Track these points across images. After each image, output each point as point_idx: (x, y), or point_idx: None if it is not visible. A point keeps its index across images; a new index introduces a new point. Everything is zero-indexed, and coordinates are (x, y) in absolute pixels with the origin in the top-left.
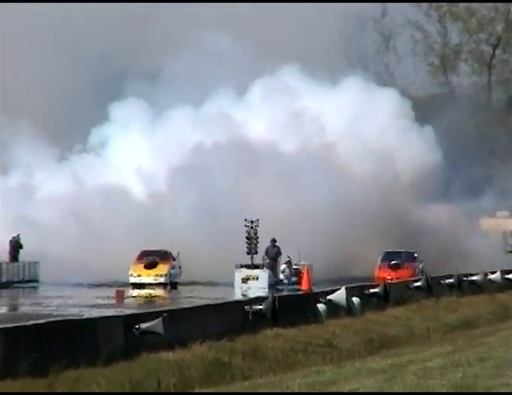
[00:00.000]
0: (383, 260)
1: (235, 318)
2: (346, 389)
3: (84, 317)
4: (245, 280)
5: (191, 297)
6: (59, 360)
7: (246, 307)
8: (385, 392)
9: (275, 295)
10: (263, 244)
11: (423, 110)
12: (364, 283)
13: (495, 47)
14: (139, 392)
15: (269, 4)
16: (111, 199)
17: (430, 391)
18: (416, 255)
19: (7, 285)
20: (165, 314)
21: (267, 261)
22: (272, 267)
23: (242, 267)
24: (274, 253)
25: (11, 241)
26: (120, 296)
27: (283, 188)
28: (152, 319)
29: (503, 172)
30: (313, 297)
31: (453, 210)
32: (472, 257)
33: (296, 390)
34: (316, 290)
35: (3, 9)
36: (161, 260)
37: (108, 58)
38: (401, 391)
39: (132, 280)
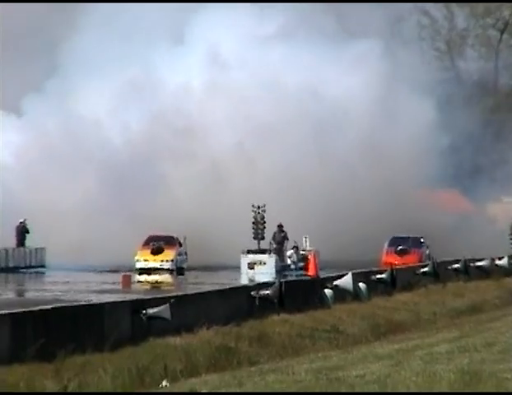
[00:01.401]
0: (389, 245)
1: (241, 303)
2: (353, 374)
3: (91, 302)
4: (252, 265)
5: (197, 283)
6: (66, 345)
7: (253, 292)
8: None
9: (282, 280)
10: (270, 230)
11: (430, 95)
12: (370, 268)
13: (502, 32)
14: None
15: None
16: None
17: (437, 377)
18: (422, 240)
19: (14, 270)
20: (172, 300)
21: (274, 246)
22: (279, 252)
23: (249, 252)
24: (281, 238)
25: (17, 227)
26: (127, 281)
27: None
28: (159, 305)
29: (509, 157)
30: (319, 282)
31: (459, 195)
32: (479, 242)
33: (303, 375)
34: (323, 275)
35: None
36: (168, 245)
37: None
38: (407, 376)
39: (139, 265)
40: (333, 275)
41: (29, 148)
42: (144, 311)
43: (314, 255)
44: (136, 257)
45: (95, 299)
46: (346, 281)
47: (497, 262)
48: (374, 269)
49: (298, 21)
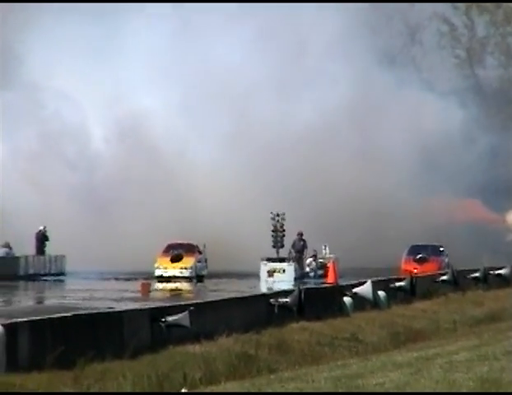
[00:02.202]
0: (409, 253)
1: (260, 311)
2: (372, 383)
3: (110, 310)
4: (271, 273)
5: (217, 290)
6: (85, 352)
7: (272, 300)
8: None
9: (301, 288)
10: (289, 238)
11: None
12: (390, 277)
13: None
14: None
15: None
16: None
17: (457, 385)
18: (442, 249)
19: (34, 277)
20: (191, 307)
21: (294, 254)
22: (299, 260)
23: (268, 260)
24: (300, 246)
25: (37, 234)
26: (146, 289)
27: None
28: (178, 312)
29: None
30: (339, 290)
31: (479, 204)
32: (499, 250)
33: (322, 383)
34: (342, 283)
35: None
36: (187, 253)
37: None
38: (427, 384)
39: (158, 272)
40: (353, 283)
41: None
42: (163, 319)
43: (334, 263)
44: (155, 265)
45: (115, 306)
46: (365, 289)
47: None
48: (394, 277)
49: None
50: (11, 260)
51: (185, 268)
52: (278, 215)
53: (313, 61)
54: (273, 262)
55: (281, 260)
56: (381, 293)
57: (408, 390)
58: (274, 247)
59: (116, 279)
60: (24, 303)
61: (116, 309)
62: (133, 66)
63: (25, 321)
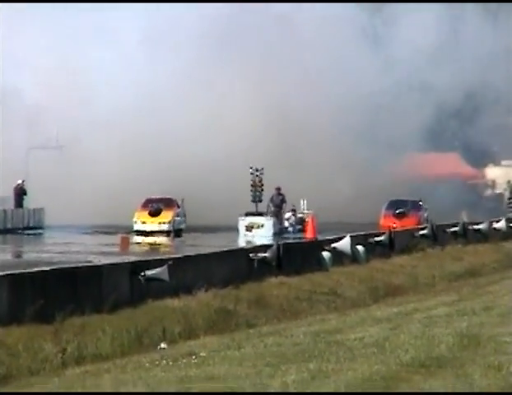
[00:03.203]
0: (387, 208)
1: (239, 265)
2: (352, 337)
3: (89, 263)
4: (250, 227)
5: (195, 245)
6: (65, 306)
7: (251, 255)
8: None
9: (280, 242)
10: (268, 193)
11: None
12: (368, 231)
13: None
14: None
15: None
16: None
17: (436, 340)
18: (421, 203)
19: (13, 231)
20: (170, 262)
21: (272, 209)
22: (277, 214)
23: (247, 214)
24: (279, 201)
25: (15, 188)
26: (125, 243)
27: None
28: (158, 266)
29: (509, 120)
30: (317, 245)
31: (458, 158)
32: (478, 205)
33: (301, 338)
34: (321, 238)
35: None
36: (165, 207)
37: None
38: (406, 339)
39: (137, 227)
40: (331, 237)
41: None
42: (142, 273)
43: (312, 218)
44: (134, 219)
45: (94, 260)
46: (344, 244)
47: (495, 225)
48: (373, 232)
49: None
50: None
51: (164, 222)
52: (257, 170)
53: None
54: (252, 216)
55: (260, 215)
56: (360, 248)
57: (388, 345)
58: (253, 201)
59: (95, 232)
60: (2, 257)
61: (95, 263)
62: None
63: (4, 275)
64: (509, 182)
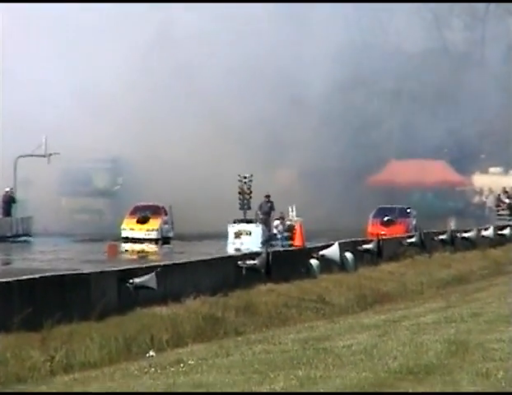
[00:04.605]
0: (375, 216)
1: (228, 273)
2: (340, 345)
3: (78, 271)
4: (238, 235)
5: (183, 252)
6: (53, 314)
7: (239, 262)
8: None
9: (268, 250)
10: (256, 200)
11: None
12: (357, 239)
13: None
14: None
15: None
16: None
17: (424, 347)
18: (409, 211)
19: (1, 239)
20: (158, 269)
21: (261, 216)
22: (266, 222)
23: (235, 222)
24: (268, 209)
25: (3, 196)
26: (113, 251)
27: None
28: (146, 274)
29: (496, 128)
30: (306, 252)
31: (445, 166)
32: (465, 213)
33: (290, 345)
34: (309, 245)
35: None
36: (153, 215)
37: None
38: (394, 346)
39: (124, 234)
40: (320, 245)
41: None
42: (131, 280)
43: (301, 225)
44: (122, 226)
45: (82, 268)
46: (332, 251)
47: (483, 233)
48: (361, 239)
49: None
50: None
51: (151, 230)
52: (246, 177)
53: None
54: (240, 223)
55: (249, 222)
56: (348, 255)
57: (376, 352)
58: (241, 209)
59: (83, 240)
60: None
61: (83, 271)
62: None
63: None
64: (490, 189)
